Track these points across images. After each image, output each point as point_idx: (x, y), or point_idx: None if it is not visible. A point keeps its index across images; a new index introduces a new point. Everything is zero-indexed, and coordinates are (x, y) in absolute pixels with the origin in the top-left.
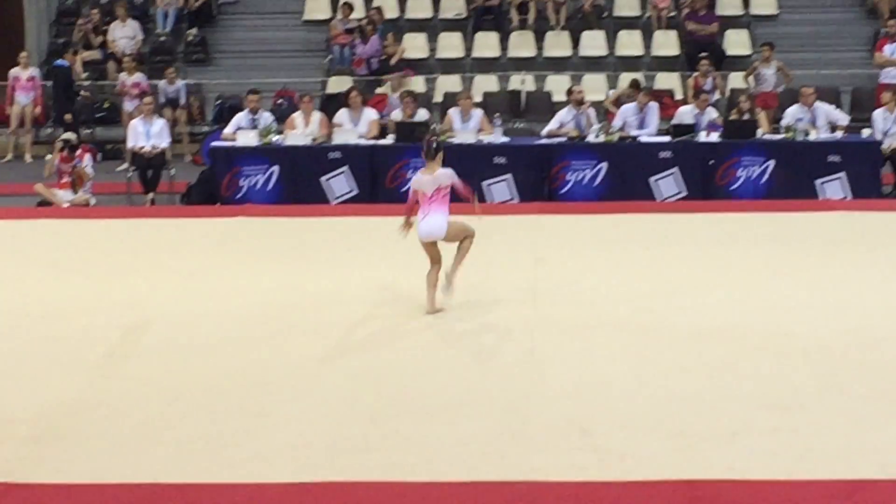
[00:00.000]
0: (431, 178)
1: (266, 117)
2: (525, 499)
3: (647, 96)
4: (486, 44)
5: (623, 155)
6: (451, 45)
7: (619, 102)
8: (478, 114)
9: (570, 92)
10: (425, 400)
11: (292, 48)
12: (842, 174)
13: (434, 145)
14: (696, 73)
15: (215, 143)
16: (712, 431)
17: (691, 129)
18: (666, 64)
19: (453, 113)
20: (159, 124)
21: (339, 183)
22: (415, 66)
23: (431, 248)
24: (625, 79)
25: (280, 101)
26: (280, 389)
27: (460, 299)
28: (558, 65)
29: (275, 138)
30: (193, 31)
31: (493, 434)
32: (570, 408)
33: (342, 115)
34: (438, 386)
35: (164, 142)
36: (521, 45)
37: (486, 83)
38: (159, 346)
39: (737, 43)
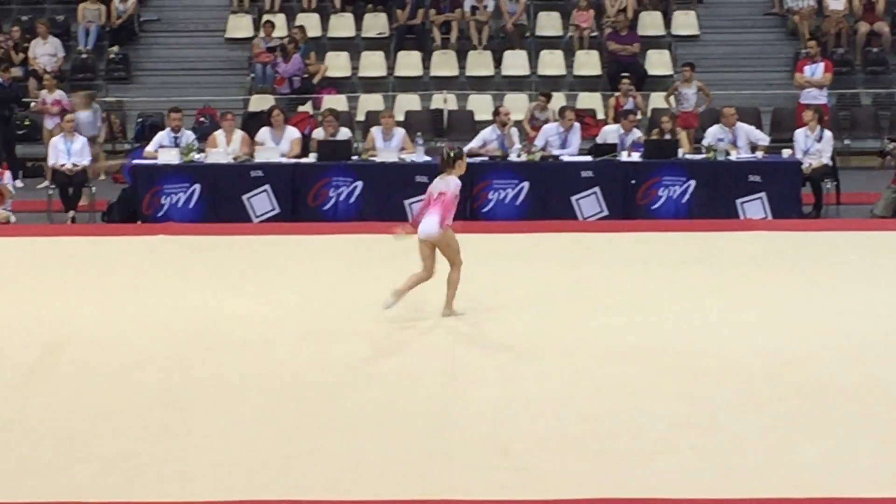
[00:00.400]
0: (442, 182)
1: (188, 135)
2: None
3: (571, 116)
4: (409, 63)
5: (545, 174)
6: (373, 63)
7: (532, 118)
8: (400, 133)
9: (496, 112)
10: (346, 418)
11: (214, 66)
12: (762, 194)
13: (451, 155)
14: (616, 94)
15: (137, 161)
16: (633, 450)
17: (613, 148)
18: (588, 84)
19: (375, 132)
20: (80, 142)
21: (261, 201)
22: (337, 84)
23: (425, 251)
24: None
25: (202, 119)
26: (201, 408)
27: (381, 317)
28: (481, 84)
29: (196, 156)
30: (115, 48)
31: (414, 452)
32: (492, 426)
33: (264, 133)
34: (360, 404)
35: (84, 159)
36: (444, 64)
37: (408, 102)
38: (80, 364)
39: (658, 63)
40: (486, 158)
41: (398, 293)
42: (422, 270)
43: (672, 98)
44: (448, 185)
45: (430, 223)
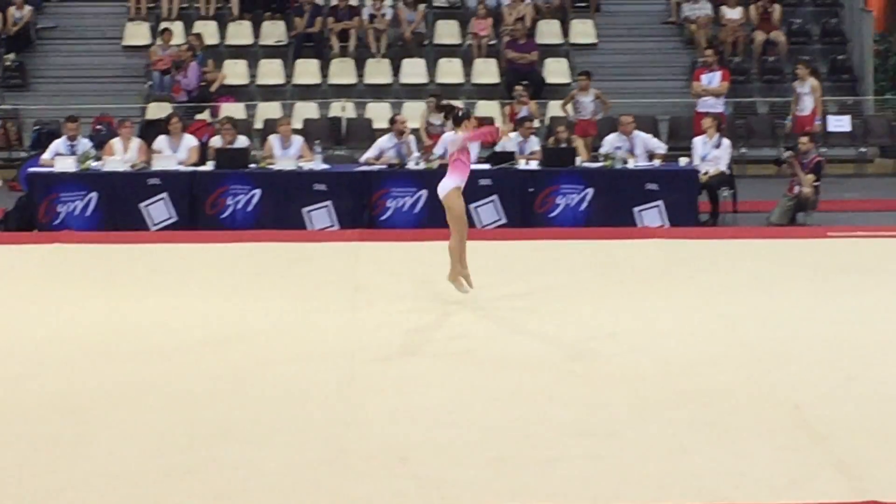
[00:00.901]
0: (457, 137)
1: (84, 143)
2: None
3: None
4: (307, 71)
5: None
6: (271, 71)
7: (429, 125)
8: (298, 140)
9: (393, 121)
10: (244, 427)
11: (111, 74)
12: (659, 202)
13: (459, 115)
14: (512, 102)
15: (33, 169)
16: (530, 458)
17: (511, 156)
18: (486, 92)
19: (273, 139)
20: None
21: (159, 209)
22: (235, 92)
23: (450, 211)
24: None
25: (99, 126)
26: (96, 417)
27: (279, 326)
28: (379, 92)
29: (93, 164)
30: (11, 56)
31: (312, 461)
32: (389, 435)
33: (161, 141)
34: (257, 412)
35: None
36: (342, 72)
37: (306, 110)
38: None
39: (556, 71)
40: (383, 167)
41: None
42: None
43: (569, 106)
44: (455, 142)
45: (442, 184)
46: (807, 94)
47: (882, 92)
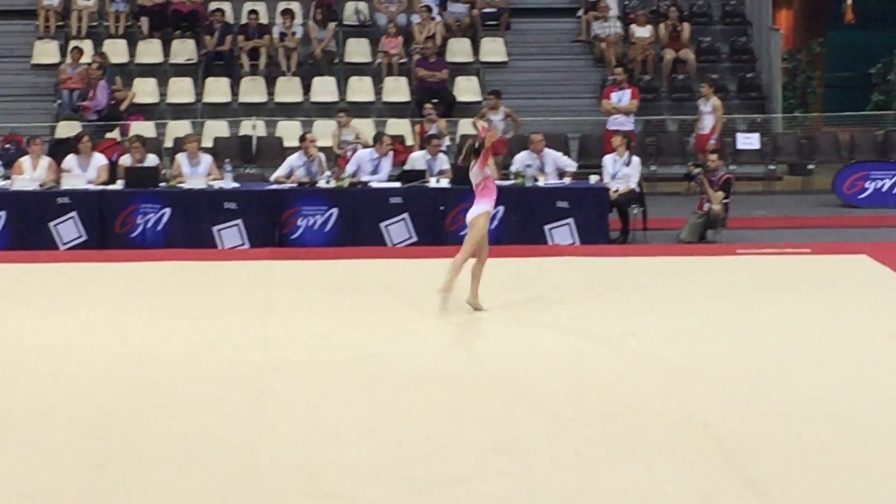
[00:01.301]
0: (473, 174)
1: None
2: None
3: (388, 142)
4: (217, 89)
5: (354, 200)
6: (181, 90)
7: (341, 143)
8: (207, 158)
9: (303, 139)
10: (153, 446)
11: (20, 92)
12: (570, 220)
13: (476, 147)
14: (422, 120)
15: None
16: (442, 476)
17: (421, 174)
18: (396, 110)
19: (181, 158)
20: None
21: (68, 228)
22: (145, 111)
23: (469, 232)
24: (363, 125)
25: (7, 145)
26: (5, 439)
27: (190, 344)
28: (289, 110)
29: (2, 183)
30: None
31: (223, 480)
32: (301, 453)
33: (71, 160)
34: (167, 431)
35: None
36: (253, 90)
37: (216, 128)
38: None
39: (467, 89)
40: (294, 185)
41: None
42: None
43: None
44: (475, 174)
45: (472, 209)
46: (708, 113)
47: (790, 110)
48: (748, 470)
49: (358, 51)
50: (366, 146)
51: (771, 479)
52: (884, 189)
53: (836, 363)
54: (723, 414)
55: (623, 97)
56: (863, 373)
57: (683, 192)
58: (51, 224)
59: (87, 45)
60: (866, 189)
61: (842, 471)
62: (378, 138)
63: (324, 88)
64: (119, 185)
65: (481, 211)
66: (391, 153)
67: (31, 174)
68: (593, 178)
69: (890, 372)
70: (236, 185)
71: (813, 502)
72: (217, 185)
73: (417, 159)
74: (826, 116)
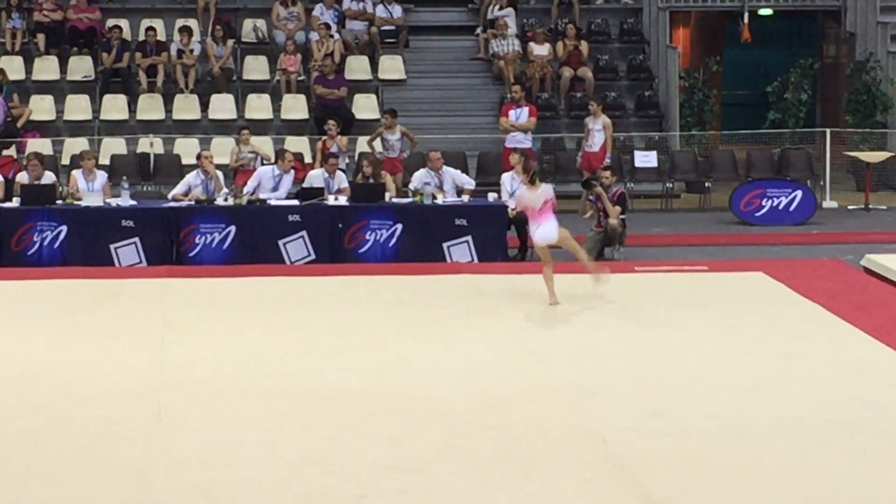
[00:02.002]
0: (537, 194)
1: None
2: None
3: (290, 159)
4: (115, 106)
5: (252, 218)
6: (78, 107)
7: (239, 158)
8: (102, 175)
9: (199, 156)
10: (50, 466)
11: None
12: (468, 237)
13: (535, 172)
14: (324, 137)
15: None
16: (340, 494)
17: (320, 192)
18: (295, 128)
19: (77, 175)
20: None
21: None
22: (41, 128)
23: (545, 251)
24: (261, 142)
25: None
26: None
27: (86, 363)
28: (187, 128)
29: None
30: None
31: (120, 500)
32: (198, 473)
33: None
34: (64, 451)
35: None
36: (150, 107)
37: (114, 146)
38: None
39: (365, 107)
40: (191, 203)
41: (553, 295)
42: (548, 266)
43: (377, 143)
44: (546, 193)
45: (550, 229)
46: (598, 131)
47: (688, 128)
48: (646, 486)
49: (256, 68)
50: (266, 162)
51: (668, 495)
52: (780, 207)
53: (732, 380)
54: (621, 431)
55: (521, 115)
56: (759, 389)
57: (579, 213)
58: None
59: None
60: (763, 207)
61: (738, 486)
62: (280, 155)
63: (222, 106)
64: (15, 202)
65: (556, 226)
66: (292, 171)
67: None
68: (492, 196)
69: (785, 388)
70: (134, 202)
71: None
72: (114, 202)
73: (315, 177)
74: (723, 134)
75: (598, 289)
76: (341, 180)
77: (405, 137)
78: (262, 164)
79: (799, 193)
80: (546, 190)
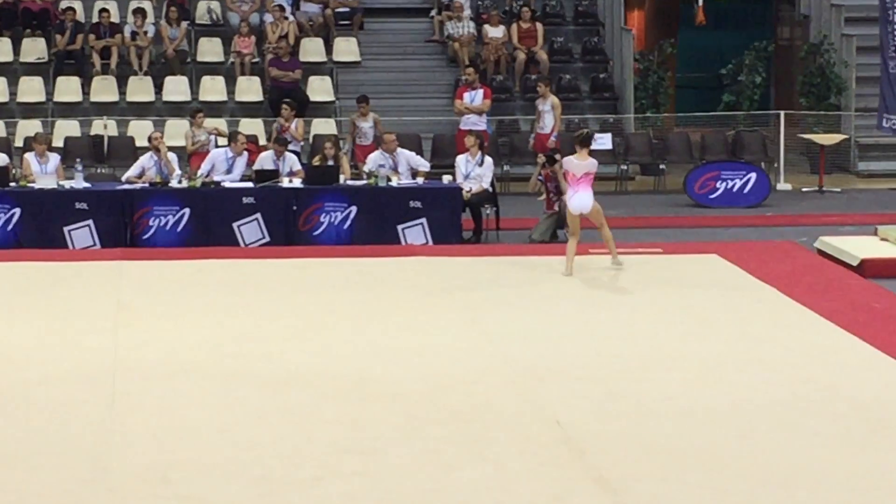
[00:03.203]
0: (583, 163)
1: None
2: None
3: (243, 141)
4: (68, 88)
5: (206, 201)
6: (32, 89)
7: (195, 142)
8: (55, 158)
9: (150, 138)
10: (3, 448)
11: None
12: (423, 220)
13: (586, 134)
14: (280, 119)
15: None
16: (296, 477)
17: (274, 174)
18: (249, 110)
19: (30, 157)
20: None
21: None
22: None
23: (576, 221)
24: (215, 124)
25: None
26: None
27: (40, 346)
28: (141, 110)
29: None
30: None
31: (74, 482)
32: (152, 455)
33: None
34: (17, 434)
35: None
36: (104, 90)
37: (68, 128)
38: None
39: (320, 89)
40: (146, 185)
41: (569, 267)
42: (573, 237)
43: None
44: (590, 165)
45: (585, 199)
46: (548, 112)
47: (643, 110)
48: (600, 469)
49: (210, 50)
50: (220, 145)
51: (622, 477)
52: (734, 189)
53: (687, 362)
54: (575, 413)
55: (476, 97)
56: (714, 371)
57: (530, 189)
58: None
59: None
60: (717, 189)
61: (693, 468)
62: (233, 137)
63: (176, 88)
64: None
65: (592, 197)
66: (246, 153)
67: None
68: (446, 178)
69: (740, 370)
70: (87, 184)
71: (663, 500)
72: (68, 184)
73: (265, 159)
74: (678, 117)
75: (614, 268)
76: (293, 162)
77: (377, 126)
78: (217, 147)
79: (753, 176)
80: (591, 163)
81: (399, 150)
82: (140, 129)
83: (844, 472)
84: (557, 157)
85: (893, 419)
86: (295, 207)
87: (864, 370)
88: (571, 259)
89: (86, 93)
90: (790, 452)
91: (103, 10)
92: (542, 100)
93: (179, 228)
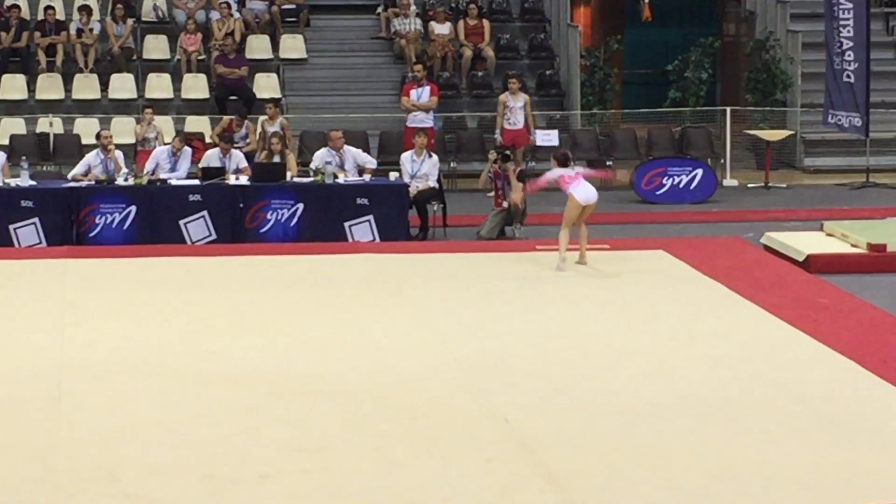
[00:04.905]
0: (571, 170)
1: None
2: None
3: (181, 142)
4: (14, 86)
5: (153, 198)
6: None
7: (144, 140)
8: (1, 156)
9: (98, 136)
10: None
11: None
12: (370, 217)
13: (567, 155)
14: (230, 117)
15: None
16: (242, 475)
17: (220, 172)
18: (196, 107)
19: None
20: None
21: None
22: None
23: (575, 213)
24: (161, 122)
25: None
26: None
27: None
28: (87, 107)
29: None
30: None
31: (20, 481)
32: (99, 454)
33: None
34: None
35: None
36: (49, 87)
37: (13, 126)
38: None
39: (267, 86)
40: (91, 183)
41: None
42: (570, 227)
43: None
44: (579, 168)
45: (591, 189)
46: (520, 108)
47: (589, 106)
48: (548, 465)
49: (156, 47)
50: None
51: (570, 473)
52: (681, 185)
53: (634, 358)
54: (523, 410)
55: (422, 94)
56: (661, 367)
57: (480, 185)
58: None
59: None
60: (664, 185)
61: (641, 464)
62: (179, 135)
63: (122, 85)
64: None
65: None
66: (189, 150)
67: None
68: (393, 175)
69: (686, 366)
70: (33, 182)
71: (612, 496)
72: (13, 182)
73: (212, 157)
74: (624, 113)
75: (579, 267)
76: (240, 160)
77: (283, 130)
78: (164, 144)
79: (699, 172)
80: (579, 168)
81: (346, 147)
82: (86, 127)
83: (791, 467)
84: (509, 153)
85: (839, 414)
86: (241, 205)
87: (810, 365)
88: (563, 247)
89: (31, 90)
90: (737, 448)
91: (49, 7)
92: (513, 96)
93: (126, 226)
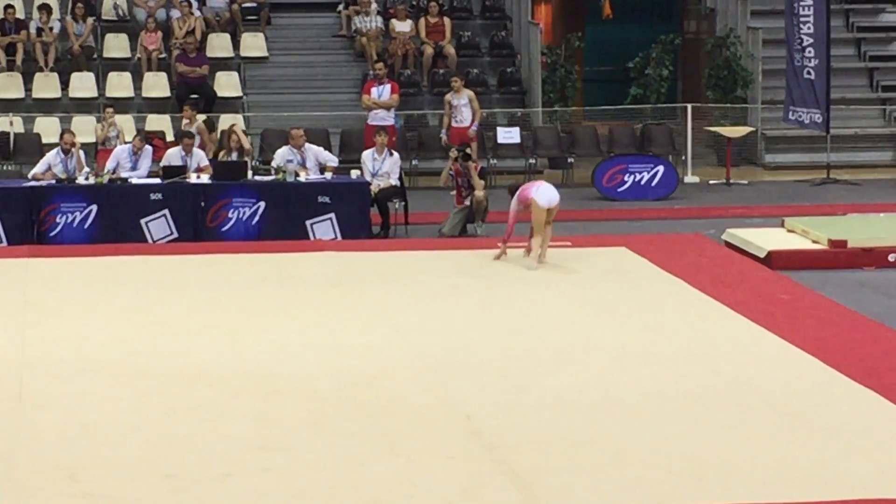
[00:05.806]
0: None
1: None
2: None
3: (142, 141)
4: None
5: (113, 197)
6: None
7: (106, 139)
8: None
9: (61, 136)
10: None
11: None
12: (331, 215)
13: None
14: (181, 115)
15: None
16: (204, 473)
17: (181, 170)
18: (157, 106)
19: None
20: None
21: None
22: None
23: (543, 216)
24: (122, 120)
25: None
26: None
27: None
28: (48, 106)
29: None
30: None
31: None
32: (60, 454)
33: None
34: None
35: None
36: (9, 86)
37: None
38: None
39: (227, 85)
40: (52, 182)
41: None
42: (537, 238)
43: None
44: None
45: (553, 190)
46: (465, 105)
47: (550, 104)
48: (510, 462)
49: (117, 46)
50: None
51: (533, 470)
52: (642, 182)
53: (596, 355)
54: (485, 407)
55: (383, 92)
56: (622, 364)
57: (441, 182)
58: None
59: None
60: (625, 182)
61: (602, 461)
62: (140, 134)
63: (82, 84)
64: None
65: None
66: (150, 149)
67: None
68: (354, 173)
69: (648, 362)
70: None
71: (575, 493)
72: None
73: (173, 155)
74: (585, 110)
75: (535, 265)
76: (201, 158)
77: (200, 136)
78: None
79: (661, 169)
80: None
81: (307, 145)
82: (46, 126)
83: (752, 463)
84: (469, 151)
85: (799, 409)
86: (203, 203)
87: (771, 361)
88: (541, 246)
89: None
90: (699, 444)
91: (8, 6)
92: (456, 94)
93: (87, 225)
